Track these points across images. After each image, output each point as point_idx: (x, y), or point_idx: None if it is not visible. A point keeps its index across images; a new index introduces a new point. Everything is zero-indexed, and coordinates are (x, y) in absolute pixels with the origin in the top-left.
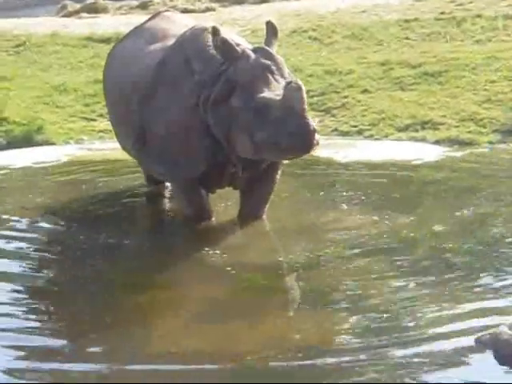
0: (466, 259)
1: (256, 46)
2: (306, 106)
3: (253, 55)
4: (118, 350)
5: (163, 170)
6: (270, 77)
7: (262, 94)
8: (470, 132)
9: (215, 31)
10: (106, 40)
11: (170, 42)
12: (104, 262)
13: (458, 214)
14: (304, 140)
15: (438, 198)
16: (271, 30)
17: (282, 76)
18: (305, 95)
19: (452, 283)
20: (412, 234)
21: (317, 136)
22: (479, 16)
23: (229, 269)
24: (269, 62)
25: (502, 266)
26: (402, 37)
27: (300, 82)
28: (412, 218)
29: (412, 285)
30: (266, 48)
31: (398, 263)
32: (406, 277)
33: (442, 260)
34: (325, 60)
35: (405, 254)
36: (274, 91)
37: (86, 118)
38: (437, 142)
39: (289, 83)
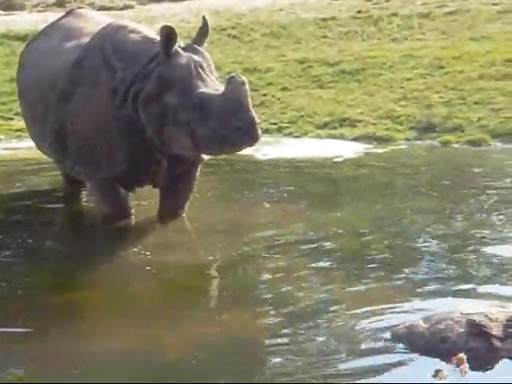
0: (385, 254)
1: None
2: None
3: (183, 52)
4: (40, 350)
5: (82, 169)
6: (203, 73)
7: (202, 90)
8: (387, 129)
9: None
10: (22, 37)
11: (86, 39)
12: (22, 265)
13: (376, 209)
14: (251, 133)
15: (357, 194)
16: (203, 26)
17: (211, 72)
18: (248, 89)
19: (370, 279)
20: (332, 230)
21: (260, 129)
22: (395, 15)
23: (149, 268)
24: (200, 59)
25: (419, 261)
26: (319, 35)
27: (243, 77)
28: (331, 215)
29: (331, 282)
30: (195, 46)
31: (317, 260)
32: (325, 273)
33: (361, 256)
34: (244, 58)
35: (324, 251)
36: (210, 87)
37: (2, 117)
38: (355, 139)
39: (232, 77)
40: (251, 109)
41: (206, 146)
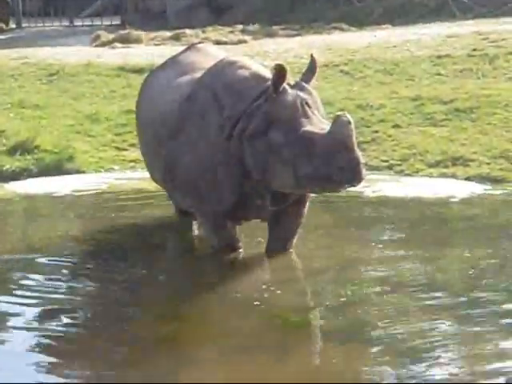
0: (498, 297)
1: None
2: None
3: (290, 90)
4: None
5: (191, 202)
6: (309, 111)
7: (306, 128)
8: (501, 169)
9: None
10: (138, 70)
11: (199, 75)
12: (132, 294)
13: (489, 251)
14: (354, 174)
15: (470, 234)
16: (312, 63)
17: (318, 110)
18: (354, 129)
19: (484, 322)
20: (443, 271)
21: (364, 169)
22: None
23: (257, 303)
24: (306, 96)
25: None
26: (433, 72)
27: (349, 116)
28: (444, 255)
29: (443, 322)
30: (303, 83)
31: (429, 300)
32: (438, 314)
33: (474, 298)
34: (356, 94)
35: (435, 291)
36: (315, 125)
37: (117, 148)
38: (467, 179)
39: (338, 117)
40: (356, 149)
41: (309, 185)
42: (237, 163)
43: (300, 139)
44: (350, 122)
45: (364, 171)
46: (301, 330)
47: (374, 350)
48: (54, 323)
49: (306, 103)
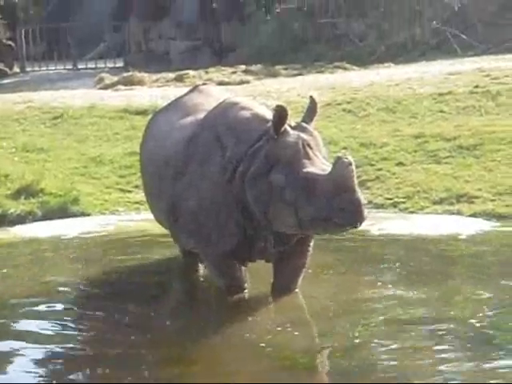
0: (506, 336)
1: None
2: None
3: (292, 131)
4: None
5: (194, 243)
6: (310, 152)
7: (308, 169)
8: (506, 206)
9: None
10: (142, 112)
11: (202, 116)
12: (134, 334)
13: (497, 288)
14: (356, 215)
15: (476, 272)
16: (312, 104)
17: (319, 151)
18: (355, 170)
19: (491, 360)
20: (451, 310)
21: (366, 210)
22: None
23: (262, 345)
24: (308, 137)
25: None
26: (436, 110)
27: (350, 157)
28: (451, 293)
29: (453, 362)
30: (304, 125)
31: (437, 339)
32: (447, 353)
33: (482, 335)
34: (359, 133)
35: (444, 330)
36: (317, 166)
37: (121, 190)
38: (473, 216)
39: (339, 158)
40: (357, 190)
41: (310, 226)
42: (239, 205)
43: (301, 181)
44: (350, 164)
45: (366, 212)
46: (310, 371)
47: None
48: (56, 367)
49: (308, 144)
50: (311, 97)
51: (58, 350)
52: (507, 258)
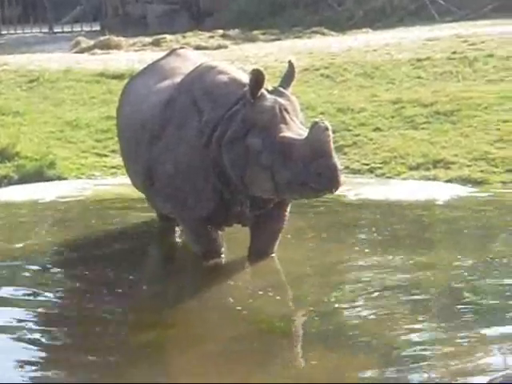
0: (478, 299)
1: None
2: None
3: (269, 95)
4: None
5: (171, 208)
6: (287, 116)
7: (285, 134)
8: (482, 171)
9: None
10: (118, 76)
11: (179, 80)
12: (112, 299)
13: (472, 253)
14: (332, 180)
15: (452, 237)
16: (290, 69)
17: (296, 116)
18: (331, 135)
19: (465, 323)
20: (427, 274)
21: (342, 175)
22: (491, 56)
23: (240, 309)
24: (285, 102)
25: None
26: (413, 76)
27: (327, 122)
28: (427, 258)
29: (428, 325)
30: (281, 89)
31: (414, 303)
32: (422, 317)
33: (455, 300)
34: (337, 98)
35: (419, 294)
36: (294, 131)
37: (98, 154)
38: (449, 181)
39: (315, 123)
40: (333, 155)
41: (287, 190)
42: (216, 169)
43: (278, 145)
44: (327, 129)
45: (342, 178)
46: (286, 335)
47: (360, 354)
48: (34, 329)
49: (285, 109)
50: (289, 62)
51: (31, 314)
52: (483, 224)
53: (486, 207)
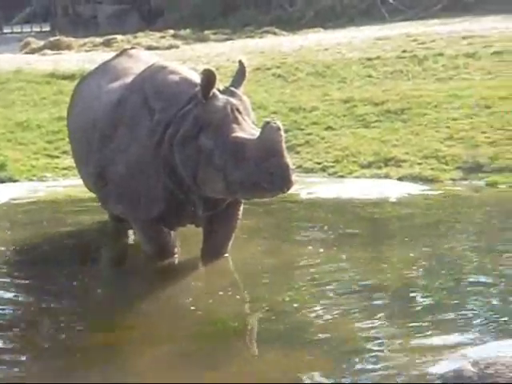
0: (430, 295)
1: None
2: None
3: (221, 95)
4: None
5: (123, 209)
6: (239, 116)
7: (236, 134)
8: (432, 169)
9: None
10: (69, 77)
11: (130, 80)
12: (64, 304)
13: (423, 250)
14: (284, 180)
15: (403, 234)
16: (241, 69)
17: (248, 116)
18: (283, 135)
19: (419, 319)
20: (379, 271)
21: (294, 175)
22: (441, 54)
23: (194, 308)
24: (237, 102)
25: (467, 303)
26: (364, 74)
27: (278, 122)
28: (379, 255)
29: (381, 322)
30: (233, 89)
31: (366, 301)
32: (375, 314)
33: (406, 297)
34: (289, 97)
35: (372, 291)
36: (245, 131)
37: (49, 155)
38: (400, 179)
39: (267, 123)
40: (285, 155)
41: (239, 190)
42: (167, 169)
43: (230, 145)
44: (279, 128)
45: (294, 177)
46: (241, 335)
47: (314, 352)
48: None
49: (237, 109)
50: (240, 61)
51: None
52: (433, 221)
53: (437, 204)
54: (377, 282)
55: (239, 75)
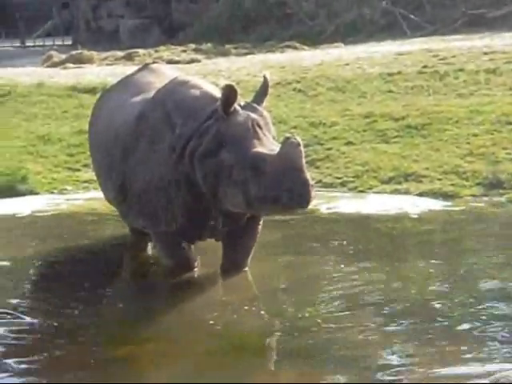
0: (450, 312)
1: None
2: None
3: (241, 111)
4: None
5: (143, 222)
6: (260, 132)
7: (257, 149)
8: (452, 185)
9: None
10: (91, 90)
11: (152, 94)
12: (85, 314)
13: (443, 266)
14: (303, 196)
15: (423, 250)
16: (264, 84)
17: (269, 131)
18: (303, 151)
19: (438, 336)
20: (398, 287)
21: (313, 191)
22: (461, 70)
23: (212, 323)
24: (257, 117)
25: (487, 320)
26: (385, 90)
27: (298, 138)
28: (398, 271)
29: (401, 338)
30: (254, 104)
31: (387, 317)
32: (394, 331)
33: (430, 313)
34: (309, 112)
35: (392, 307)
36: (265, 146)
37: (70, 168)
38: (420, 195)
39: (287, 138)
40: (305, 170)
41: (259, 206)
42: (188, 183)
43: (250, 160)
44: (299, 144)
45: (313, 193)
46: (259, 351)
47: (334, 369)
48: (9, 342)
49: (257, 124)
50: (264, 76)
51: (4, 328)
52: (454, 237)
53: (457, 220)
54: (397, 299)
55: (262, 90)
